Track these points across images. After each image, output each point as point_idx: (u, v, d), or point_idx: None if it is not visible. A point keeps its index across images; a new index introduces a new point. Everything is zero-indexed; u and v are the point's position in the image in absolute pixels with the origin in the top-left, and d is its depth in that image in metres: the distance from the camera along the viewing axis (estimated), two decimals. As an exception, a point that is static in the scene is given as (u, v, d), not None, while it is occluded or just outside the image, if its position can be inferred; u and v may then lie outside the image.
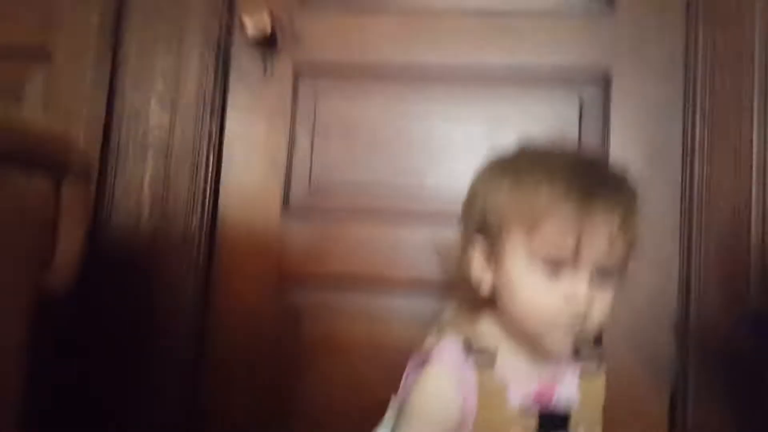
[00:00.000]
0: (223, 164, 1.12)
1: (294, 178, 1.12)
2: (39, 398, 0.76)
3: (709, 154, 1.04)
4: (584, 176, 0.65)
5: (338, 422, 1.06)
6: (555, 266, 0.64)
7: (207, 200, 1.09)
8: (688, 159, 1.05)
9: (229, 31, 1.13)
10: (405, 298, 1.07)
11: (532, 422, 0.67)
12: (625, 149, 1.06)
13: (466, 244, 0.70)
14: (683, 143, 1.06)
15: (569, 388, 0.71)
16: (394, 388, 0.74)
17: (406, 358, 0.72)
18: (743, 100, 1.04)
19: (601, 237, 0.63)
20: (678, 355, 1.03)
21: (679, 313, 1.03)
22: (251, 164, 1.11)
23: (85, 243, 0.74)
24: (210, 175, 1.10)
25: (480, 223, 0.69)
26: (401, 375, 0.73)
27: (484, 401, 0.67)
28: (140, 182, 1.09)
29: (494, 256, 0.68)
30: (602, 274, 0.64)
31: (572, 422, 0.70)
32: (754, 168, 1.03)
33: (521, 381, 0.68)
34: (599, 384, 0.74)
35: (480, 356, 0.68)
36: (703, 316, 1.02)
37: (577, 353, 0.72)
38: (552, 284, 0.64)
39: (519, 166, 0.68)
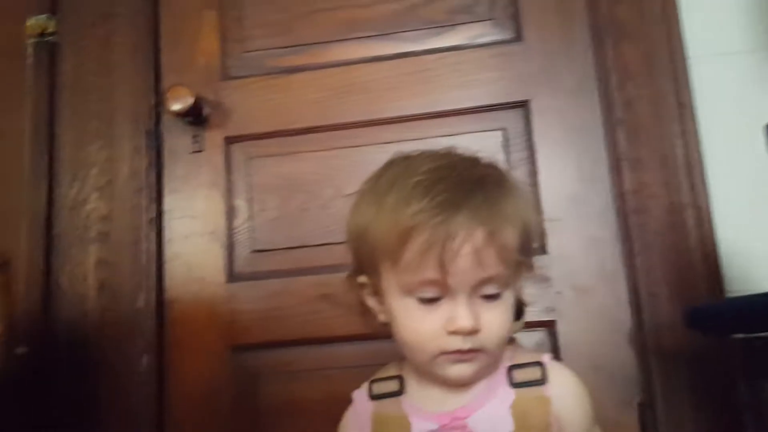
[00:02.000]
0: (164, 241, 1.13)
1: (236, 245, 1.13)
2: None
3: (636, 163, 1.05)
4: (437, 193, 0.60)
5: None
6: (427, 298, 0.61)
7: (151, 278, 1.10)
8: (616, 171, 1.06)
9: (157, 112, 1.16)
10: (359, 349, 1.06)
11: None
12: (553, 172, 1.07)
13: (350, 282, 0.68)
14: (608, 156, 1.07)
15: (495, 412, 0.63)
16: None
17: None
18: (660, 106, 1.06)
19: (466, 255, 0.59)
20: (639, 366, 1.00)
21: (633, 324, 1.02)
22: (192, 237, 1.13)
23: (8, 329, 0.74)
24: (152, 253, 1.11)
25: (357, 259, 0.66)
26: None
27: None
28: (85, 268, 1.10)
29: (378, 292, 0.65)
30: (485, 290, 0.61)
31: None
32: (681, 169, 1.04)
33: (429, 410, 0.65)
34: (542, 406, 0.63)
35: (379, 389, 0.67)
36: (656, 322, 1.00)
37: (510, 370, 0.65)
38: (429, 314, 0.61)
39: (378, 191, 0.64)
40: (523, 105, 1.11)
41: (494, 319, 0.62)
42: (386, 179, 0.65)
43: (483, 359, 0.63)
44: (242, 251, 1.13)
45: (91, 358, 1.07)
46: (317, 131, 1.15)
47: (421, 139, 1.12)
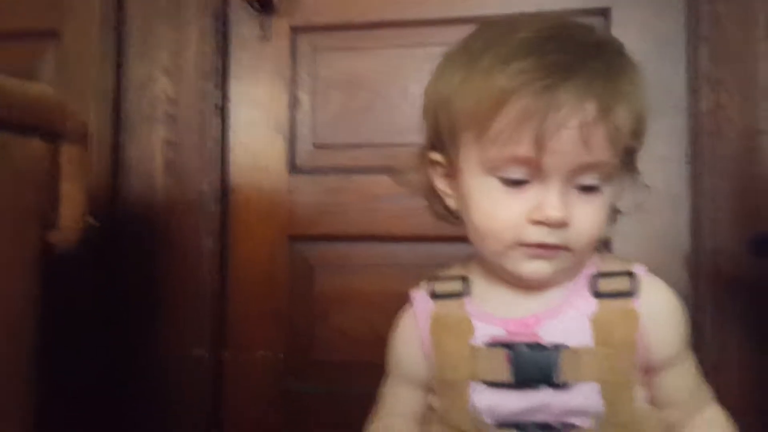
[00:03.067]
0: (229, 127, 1.14)
1: (298, 137, 1.14)
2: (54, 354, 0.81)
3: (716, 84, 1.01)
4: (545, 53, 0.50)
5: (355, 371, 1.09)
6: (514, 179, 0.52)
7: (216, 163, 1.12)
8: (694, 90, 1.02)
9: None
10: (413, 249, 1.09)
11: (501, 360, 0.55)
12: (628, 85, 1.04)
13: (421, 159, 0.60)
14: (688, 73, 1.03)
15: (572, 323, 0.55)
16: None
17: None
18: (749, 27, 1.01)
19: (571, 132, 0.49)
20: (692, 289, 1.01)
21: (691, 248, 1.02)
22: (256, 126, 1.14)
23: (89, 204, 0.77)
24: (217, 138, 1.13)
25: (432, 130, 0.58)
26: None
27: (442, 336, 0.58)
28: (152, 148, 1.13)
29: (453, 171, 0.57)
30: (583, 179, 0.52)
31: (567, 365, 0.53)
32: (761, 94, 1.00)
33: (496, 315, 0.57)
34: (628, 320, 0.54)
35: (441, 288, 0.61)
36: (715, 247, 1.00)
37: (595, 278, 0.57)
38: (512, 198, 0.53)
39: (471, 52, 0.54)
40: (603, 13, 1.06)
41: (588, 215, 0.53)
42: (482, 39, 0.55)
43: (565, 259, 0.54)
44: (304, 144, 1.13)
45: (156, 235, 1.12)
46: (387, 27, 1.12)
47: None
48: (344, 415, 1.07)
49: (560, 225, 0.52)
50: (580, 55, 0.51)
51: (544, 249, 0.53)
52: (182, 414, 1.09)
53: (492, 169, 0.53)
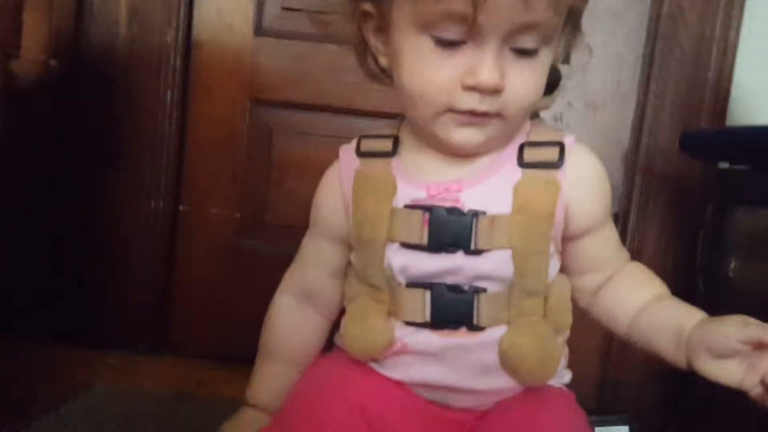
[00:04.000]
0: (196, -21, 1.12)
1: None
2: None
3: (679, -12, 1.04)
4: None
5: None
6: (447, 39, 0.49)
7: (181, 16, 1.10)
8: (658, -9, 1.05)
9: None
10: (372, 124, 1.10)
11: (418, 222, 0.54)
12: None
13: (354, 10, 0.55)
14: (654, -26, 1.05)
15: (494, 190, 0.55)
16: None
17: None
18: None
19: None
20: (626, 181, 1.09)
21: (631, 144, 1.09)
22: (224, -18, 1.11)
23: (52, 38, 0.77)
24: (183, -9, 1.10)
25: None
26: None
27: (363, 194, 0.57)
28: (116, -6, 1.10)
29: (383, 24, 0.53)
30: (521, 41, 0.50)
31: (483, 232, 0.53)
32: (721, 2, 1.03)
33: (418, 178, 0.56)
34: (549, 191, 0.54)
35: (368, 146, 0.60)
36: (653, 145, 1.07)
37: (523, 147, 0.56)
38: (444, 59, 0.50)
39: None
40: None
41: (524, 80, 0.51)
42: None
43: (497, 127, 0.53)
44: (272, 6, 1.12)
45: (117, 83, 1.11)
46: None
47: None
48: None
49: (494, 92, 0.50)
50: None
51: (474, 116, 0.52)
52: (135, 265, 1.14)
53: (425, 26, 0.49)
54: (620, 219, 1.09)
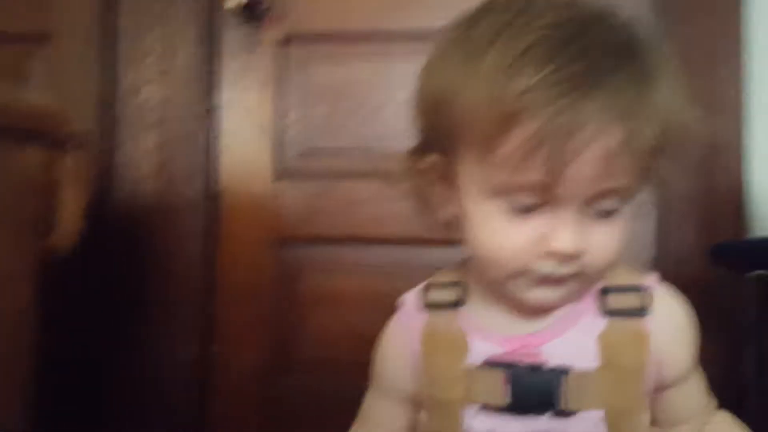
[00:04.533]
0: (219, 132, 1.18)
1: (285, 143, 1.17)
2: (49, 352, 0.84)
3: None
4: (564, 61, 0.42)
5: (340, 371, 1.13)
6: (522, 206, 0.46)
7: (205, 168, 1.16)
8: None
9: (216, 6, 1.18)
10: (395, 252, 1.14)
11: (498, 381, 0.50)
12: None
13: (413, 159, 0.52)
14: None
15: (577, 343, 0.50)
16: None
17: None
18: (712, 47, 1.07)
19: (597, 155, 0.43)
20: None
21: (658, 252, 1.08)
22: (244, 132, 1.17)
23: (86, 209, 0.81)
24: (207, 143, 1.16)
25: (427, 129, 0.51)
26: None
27: (433, 352, 0.53)
28: (142, 154, 1.16)
29: (449, 177, 0.50)
30: (602, 205, 0.46)
31: (571, 390, 0.49)
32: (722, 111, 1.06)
33: (494, 332, 0.52)
34: (638, 342, 0.50)
35: (434, 297, 0.55)
36: (676, 255, 1.06)
37: (604, 293, 0.51)
38: (520, 224, 0.47)
39: (473, 41, 0.46)
40: None
41: (606, 241, 0.47)
42: (485, 29, 0.46)
43: (577, 285, 0.49)
44: (291, 150, 1.17)
45: (146, 237, 1.15)
46: (372, 38, 1.16)
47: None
48: (327, 414, 1.11)
49: (574, 258, 0.47)
50: (605, 63, 0.43)
51: (555, 280, 0.48)
52: (170, 412, 1.13)
53: (499, 193, 0.46)
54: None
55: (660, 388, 0.53)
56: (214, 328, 1.16)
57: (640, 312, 0.51)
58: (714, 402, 0.58)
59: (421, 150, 0.52)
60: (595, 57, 0.43)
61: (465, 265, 0.56)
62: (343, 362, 1.12)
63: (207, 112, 1.16)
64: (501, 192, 0.46)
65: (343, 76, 1.16)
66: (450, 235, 0.53)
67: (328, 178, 1.16)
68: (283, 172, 1.17)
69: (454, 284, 0.55)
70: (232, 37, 1.18)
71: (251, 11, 1.14)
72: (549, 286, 0.48)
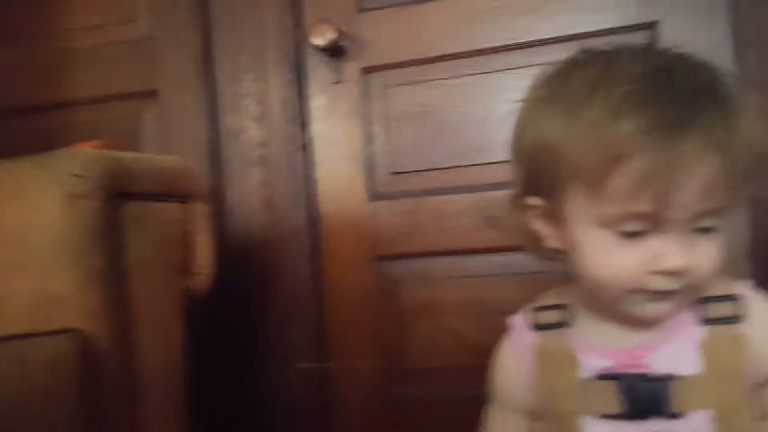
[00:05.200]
0: (314, 164, 1.28)
1: (375, 167, 1.26)
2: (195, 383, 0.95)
3: (763, 87, 1.07)
4: (659, 106, 0.48)
5: (445, 377, 1.21)
6: (631, 232, 0.51)
7: (306, 198, 1.26)
8: (742, 93, 1.08)
9: (302, 48, 1.28)
10: (485, 260, 1.19)
11: (612, 393, 0.56)
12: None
13: (515, 203, 0.59)
14: (735, 77, 1.09)
15: (681, 352, 0.56)
16: (492, 342, 0.70)
17: (499, 313, 0.70)
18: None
19: (696, 184, 0.49)
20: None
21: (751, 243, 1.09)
22: (337, 161, 1.27)
23: (216, 251, 0.91)
24: (305, 175, 1.26)
25: (530, 175, 0.57)
26: (497, 330, 0.69)
27: (548, 369, 0.59)
28: (250, 190, 1.27)
29: (556, 215, 0.56)
30: (702, 223, 0.52)
31: (679, 395, 0.54)
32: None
33: (602, 347, 0.58)
34: (737, 346, 0.55)
35: (543, 320, 0.61)
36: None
37: (701, 303, 0.57)
38: (630, 249, 0.52)
39: (571, 95, 0.52)
40: (652, 26, 1.14)
41: (707, 255, 0.53)
42: (579, 82, 0.53)
43: (686, 296, 0.55)
44: (381, 173, 1.26)
45: (259, 265, 1.26)
46: (447, 59, 1.22)
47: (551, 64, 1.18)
48: (439, 416, 1.20)
49: (683, 274, 0.52)
50: (695, 104, 0.49)
51: (666, 294, 0.53)
52: (294, 423, 1.24)
53: (608, 223, 0.52)
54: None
55: (759, 384, 0.58)
56: (326, 342, 1.26)
57: (736, 318, 0.56)
58: None
59: (523, 193, 0.58)
60: (684, 100, 0.49)
61: (567, 287, 0.63)
62: (447, 368, 1.20)
63: (302, 147, 1.26)
64: (611, 222, 0.52)
65: (422, 99, 1.23)
66: (554, 265, 0.60)
67: (417, 195, 1.23)
68: (376, 194, 1.25)
69: (559, 307, 0.62)
70: (319, 75, 1.27)
71: (334, 48, 1.23)
72: (661, 301, 0.54)
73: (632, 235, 0.52)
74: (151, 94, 1.34)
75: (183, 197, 0.87)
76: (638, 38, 1.14)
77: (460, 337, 1.20)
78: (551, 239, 0.58)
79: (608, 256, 0.53)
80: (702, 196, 0.50)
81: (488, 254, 1.19)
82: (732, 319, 0.56)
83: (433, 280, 1.23)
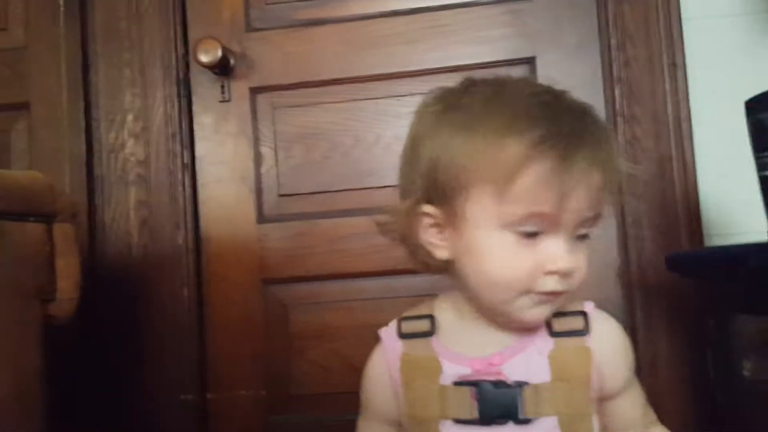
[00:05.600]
0: (198, 184, 1.23)
1: (264, 189, 1.23)
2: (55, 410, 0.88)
3: (630, 119, 1.15)
4: (555, 120, 0.54)
5: (332, 401, 1.18)
6: (530, 232, 0.56)
7: (188, 219, 1.21)
8: (612, 125, 1.16)
9: (186, 63, 1.24)
10: (376, 283, 1.19)
11: (467, 398, 0.59)
12: (555, 124, 1.17)
13: (410, 211, 0.60)
14: (606, 112, 1.17)
15: (532, 360, 0.60)
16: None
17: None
18: (654, 66, 1.15)
19: (584, 191, 0.55)
20: (624, 299, 1.15)
21: (621, 263, 1.15)
22: (223, 182, 1.23)
23: (81, 275, 0.85)
24: (187, 195, 1.21)
25: (427, 184, 0.59)
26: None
27: (411, 375, 0.62)
28: (126, 208, 1.21)
29: (449, 223, 0.59)
30: (582, 230, 0.57)
31: (529, 401, 0.58)
32: (670, 126, 1.14)
33: (462, 355, 0.61)
34: (582, 357, 0.60)
35: (408, 327, 0.64)
36: (641, 262, 1.14)
37: (550, 318, 0.61)
38: (528, 249, 0.56)
39: (469, 111, 0.57)
40: (530, 61, 1.20)
41: (583, 261, 0.58)
42: (478, 99, 0.58)
43: (561, 301, 0.59)
44: (270, 195, 1.23)
45: (136, 289, 1.19)
46: (337, 83, 1.23)
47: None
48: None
49: (570, 274, 0.57)
50: (583, 122, 0.57)
51: (553, 295, 0.57)
52: (172, 456, 1.17)
53: (510, 223, 0.56)
54: (629, 335, 1.13)
55: (603, 398, 0.63)
56: (208, 370, 1.20)
57: (582, 332, 0.61)
58: (654, 415, 0.67)
59: (417, 201, 0.60)
60: (574, 117, 0.57)
61: (432, 299, 0.67)
62: (336, 393, 1.18)
63: (185, 165, 1.21)
64: (513, 223, 0.56)
65: (311, 122, 1.23)
66: (432, 272, 0.63)
67: (307, 218, 1.21)
68: (264, 216, 1.22)
69: (425, 317, 0.65)
70: (205, 92, 1.24)
71: (221, 66, 1.20)
72: (545, 304, 0.58)
73: (530, 236, 0.56)
74: (21, 107, 1.24)
75: (44, 216, 0.81)
76: (517, 71, 1.20)
77: (350, 362, 1.18)
78: (439, 249, 0.61)
79: (507, 257, 0.56)
80: (589, 203, 0.56)
81: (379, 277, 1.19)
82: (578, 333, 0.61)
83: (323, 304, 1.21)
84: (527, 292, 0.57)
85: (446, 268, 0.62)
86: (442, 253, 0.60)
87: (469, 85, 0.61)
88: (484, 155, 0.55)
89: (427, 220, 0.60)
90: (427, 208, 0.59)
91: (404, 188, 0.62)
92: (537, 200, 0.54)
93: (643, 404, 0.66)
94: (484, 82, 0.61)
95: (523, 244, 0.56)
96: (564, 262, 0.56)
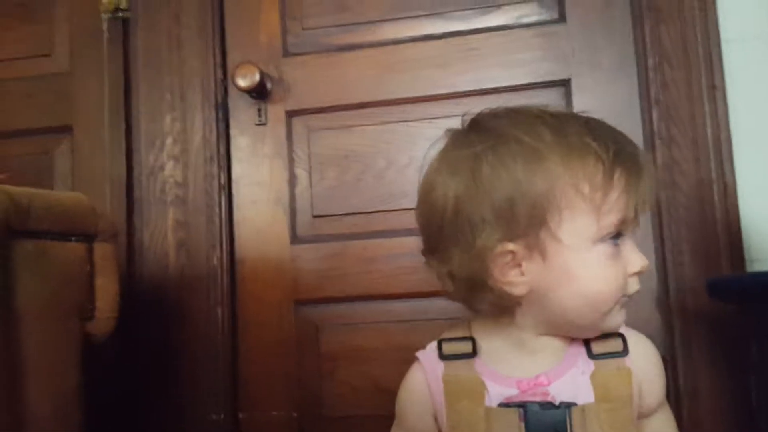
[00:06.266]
0: (234, 205, 1.25)
1: (297, 210, 1.24)
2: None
3: (668, 141, 1.13)
4: (603, 129, 0.60)
5: (366, 423, 1.17)
6: (615, 240, 0.59)
7: (224, 239, 1.23)
8: (650, 147, 1.14)
9: (225, 88, 1.26)
10: (407, 305, 1.19)
11: (514, 420, 0.59)
12: (591, 146, 1.16)
13: (482, 255, 0.59)
14: (643, 134, 1.15)
15: (576, 381, 0.61)
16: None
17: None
18: (693, 87, 1.13)
19: (646, 198, 0.60)
20: (664, 326, 1.12)
21: (660, 289, 1.13)
22: (258, 203, 1.24)
23: (119, 295, 0.87)
24: (223, 216, 1.23)
25: (502, 223, 0.58)
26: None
27: (455, 397, 0.62)
28: (164, 231, 1.23)
29: (532, 256, 0.59)
30: (634, 230, 0.62)
31: (576, 421, 0.59)
32: (710, 149, 1.12)
33: (507, 376, 0.62)
34: (624, 377, 0.62)
35: (450, 349, 0.64)
36: (681, 288, 1.11)
37: (586, 343, 0.63)
38: (616, 257, 0.59)
39: (534, 141, 0.58)
40: (564, 84, 1.19)
41: None
42: (540, 135, 0.59)
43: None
44: (303, 216, 1.24)
45: (171, 308, 1.21)
46: (370, 106, 1.24)
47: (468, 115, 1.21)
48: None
49: (644, 273, 0.61)
50: (624, 139, 0.62)
51: (630, 297, 0.62)
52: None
53: (605, 236, 0.58)
54: (668, 363, 1.10)
55: (641, 415, 0.65)
56: (240, 390, 1.21)
57: (621, 353, 0.63)
58: None
59: (494, 243, 0.59)
60: (612, 129, 0.62)
61: (469, 323, 0.68)
62: (367, 416, 1.17)
63: (222, 187, 1.24)
64: (608, 234, 0.58)
65: (345, 144, 1.24)
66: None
67: (339, 239, 1.22)
68: (297, 237, 1.23)
69: (465, 339, 0.65)
70: (242, 115, 1.26)
71: (258, 90, 1.22)
72: (624, 306, 0.62)
73: (616, 245, 0.59)
74: (65, 130, 1.29)
75: (85, 236, 0.83)
76: (552, 94, 1.19)
77: (381, 384, 1.18)
78: (517, 287, 0.60)
79: (605, 271, 0.58)
80: (647, 205, 0.60)
81: (411, 299, 1.19)
82: (618, 354, 0.63)
83: (355, 325, 1.21)
84: (621, 298, 0.60)
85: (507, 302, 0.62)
86: (520, 290, 0.60)
87: (506, 118, 0.64)
88: (569, 177, 0.57)
89: (504, 259, 0.59)
90: (510, 246, 0.59)
91: (444, 241, 0.62)
92: (624, 206, 0.58)
93: (673, 423, 0.68)
94: (520, 111, 0.65)
95: (611, 255, 0.58)
96: (643, 260, 0.60)
